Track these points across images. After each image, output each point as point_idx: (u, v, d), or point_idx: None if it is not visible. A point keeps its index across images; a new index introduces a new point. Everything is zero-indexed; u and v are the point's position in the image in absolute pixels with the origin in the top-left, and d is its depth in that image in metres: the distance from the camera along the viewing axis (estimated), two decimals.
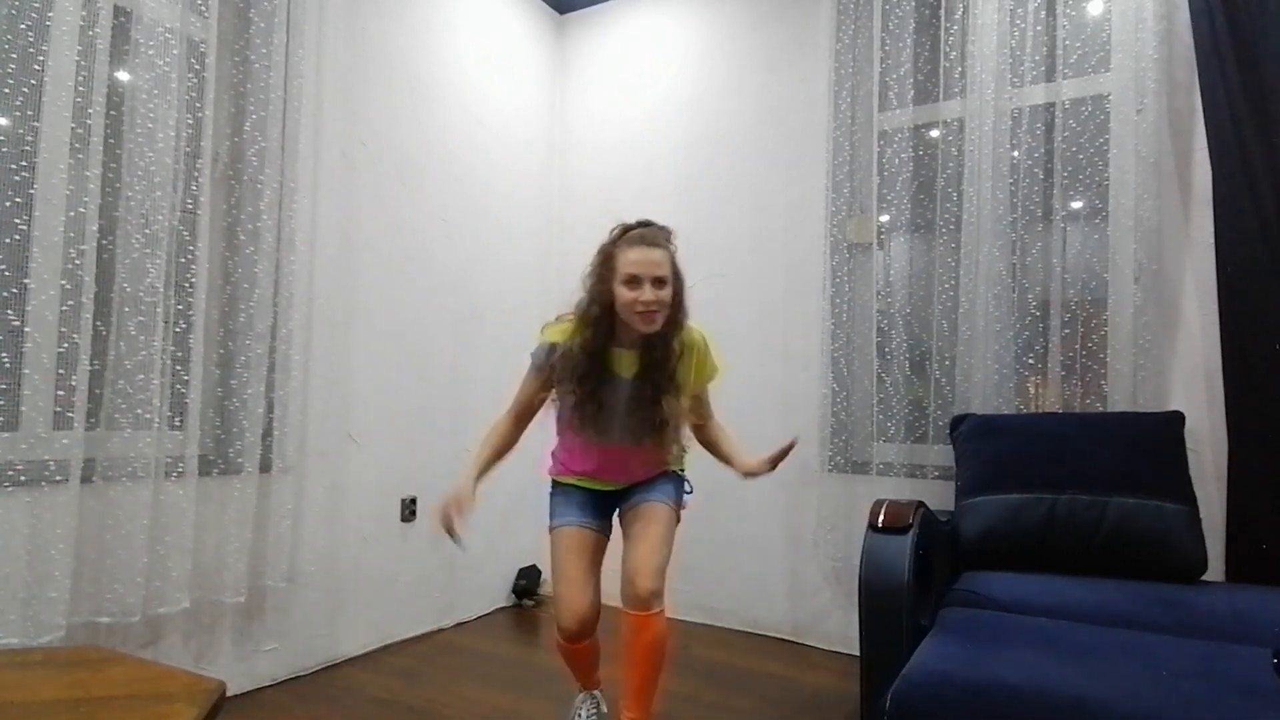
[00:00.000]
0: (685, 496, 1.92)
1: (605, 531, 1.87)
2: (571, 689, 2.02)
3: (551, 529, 1.84)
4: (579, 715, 1.95)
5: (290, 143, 2.22)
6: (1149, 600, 1.72)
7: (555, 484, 1.91)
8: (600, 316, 1.71)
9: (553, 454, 1.92)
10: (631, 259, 1.66)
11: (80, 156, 1.77)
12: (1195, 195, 2.22)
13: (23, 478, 1.70)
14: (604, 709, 1.97)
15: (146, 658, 1.77)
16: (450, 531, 1.63)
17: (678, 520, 1.85)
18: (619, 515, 1.88)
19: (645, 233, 1.72)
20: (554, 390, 1.80)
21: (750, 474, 1.86)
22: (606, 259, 1.72)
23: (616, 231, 1.75)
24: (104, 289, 1.82)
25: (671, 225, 1.79)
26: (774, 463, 1.82)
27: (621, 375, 1.75)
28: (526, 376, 1.82)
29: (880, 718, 1.35)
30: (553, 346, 1.75)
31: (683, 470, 1.94)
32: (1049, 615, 1.68)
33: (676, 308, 1.72)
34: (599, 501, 1.87)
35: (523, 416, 1.84)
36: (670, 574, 2.88)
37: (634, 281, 1.66)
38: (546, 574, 3.24)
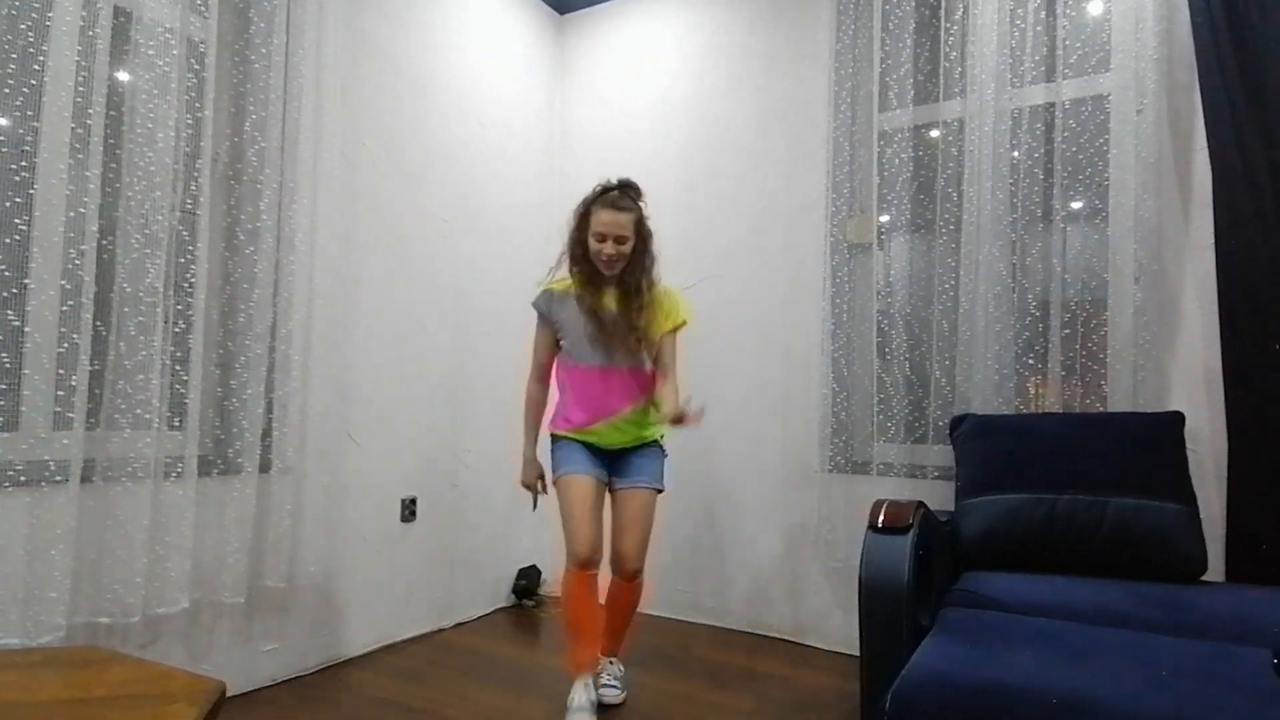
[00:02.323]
0: (665, 463, 2.26)
1: (604, 480, 2.18)
2: (564, 687, 2.03)
3: (557, 477, 2.15)
4: (575, 697, 2.03)
5: (290, 143, 2.22)
6: (1149, 600, 1.71)
7: (555, 439, 2.22)
8: (583, 257, 2.14)
9: (555, 410, 2.25)
10: (602, 220, 2.07)
11: (80, 156, 1.77)
12: (1195, 195, 2.22)
13: (23, 478, 1.70)
14: (594, 695, 2.07)
15: (146, 658, 1.77)
16: (534, 493, 2.20)
17: (661, 491, 2.21)
18: (610, 491, 2.19)
19: (616, 197, 2.10)
20: (560, 340, 2.21)
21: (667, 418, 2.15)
22: (584, 215, 2.13)
23: (596, 190, 2.14)
24: (104, 289, 1.82)
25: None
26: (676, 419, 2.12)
27: (607, 307, 2.15)
28: (538, 332, 2.25)
29: (880, 718, 1.35)
30: (549, 293, 2.19)
31: (662, 437, 2.26)
32: (1049, 615, 1.68)
33: (640, 255, 2.13)
34: (596, 456, 2.18)
35: (545, 374, 2.27)
36: (670, 574, 2.97)
37: (601, 238, 2.08)
38: (547, 574, 3.24)
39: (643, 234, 2.13)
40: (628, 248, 2.09)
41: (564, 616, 2.15)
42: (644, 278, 2.14)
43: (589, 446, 2.18)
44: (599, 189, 2.14)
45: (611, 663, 2.24)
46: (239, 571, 2.08)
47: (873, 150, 2.66)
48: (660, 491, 2.20)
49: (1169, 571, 1.86)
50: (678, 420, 2.04)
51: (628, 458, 2.20)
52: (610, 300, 2.16)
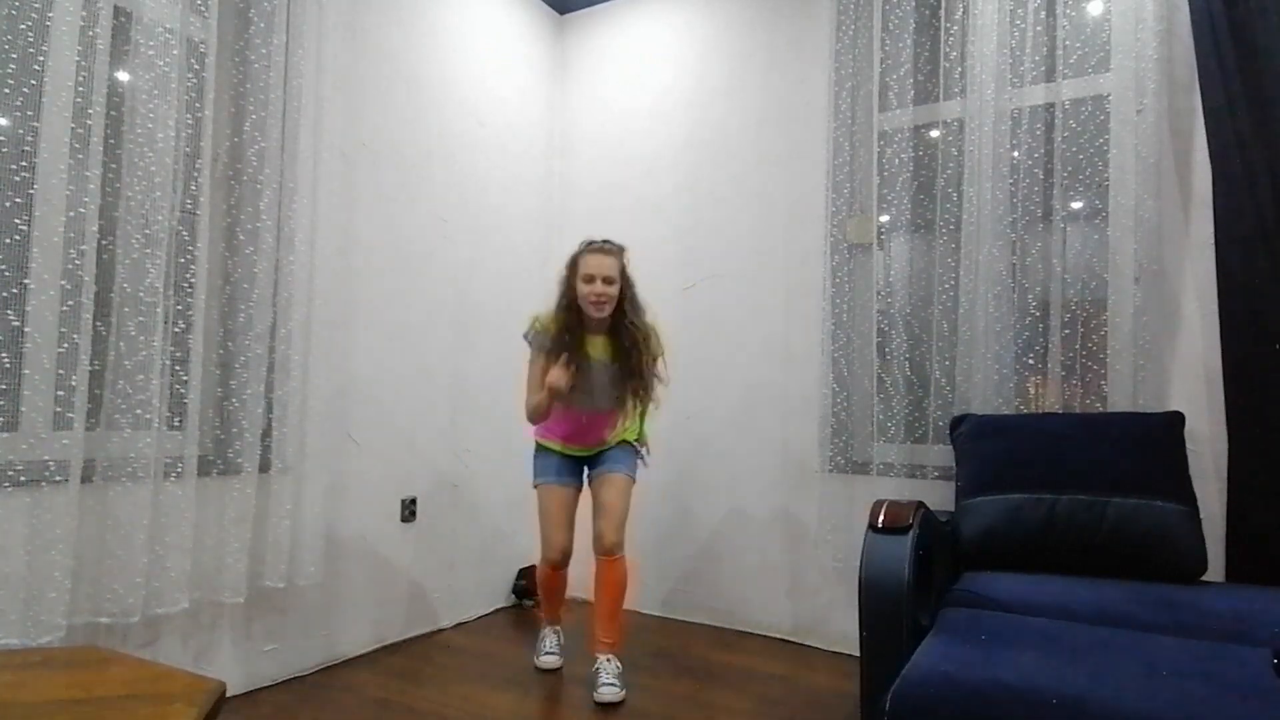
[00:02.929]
0: (640, 462, 2.46)
1: (578, 486, 2.42)
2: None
3: (536, 485, 2.40)
4: (545, 641, 2.48)
5: (290, 143, 2.22)
6: (1149, 600, 1.71)
7: (539, 447, 2.44)
8: (570, 306, 2.31)
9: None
10: (590, 263, 2.28)
11: (80, 156, 1.77)
12: (1195, 195, 2.22)
13: (23, 478, 1.70)
14: (563, 639, 2.51)
15: (146, 658, 1.77)
16: (560, 386, 2.18)
17: (634, 481, 2.40)
18: (588, 479, 2.41)
19: (602, 244, 2.32)
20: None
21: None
22: (573, 264, 2.33)
23: (583, 243, 2.35)
24: (104, 289, 1.82)
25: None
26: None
27: (595, 357, 2.30)
28: (532, 360, 2.34)
29: (880, 718, 1.35)
30: (545, 330, 2.31)
31: (637, 439, 2.46)
32: (1049, 615, 1.68)
33: (625, 300, 2.30)
34: (573, 463, 2.42)
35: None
36: (670, 574, 2.97)
37: (590, 279, 2.26)
38: None
39: (626, 278, 2.33)
40: (615, 289, 2.28)
41: (538, 588, 2.53)
42: (636, 320, 2.32)
43: (567, 457, 2.41)
44: (584, 242, 2.35)
45: (609, 660, 2.24)
46: (239, 571, 2.08)
47: (873, 150, 2.66)
48: (634, 479, 2.40)
49: (1169, 571, 1.86)
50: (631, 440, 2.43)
51: (604, 451, 2.42)
52: (598, 349, 2.32)
